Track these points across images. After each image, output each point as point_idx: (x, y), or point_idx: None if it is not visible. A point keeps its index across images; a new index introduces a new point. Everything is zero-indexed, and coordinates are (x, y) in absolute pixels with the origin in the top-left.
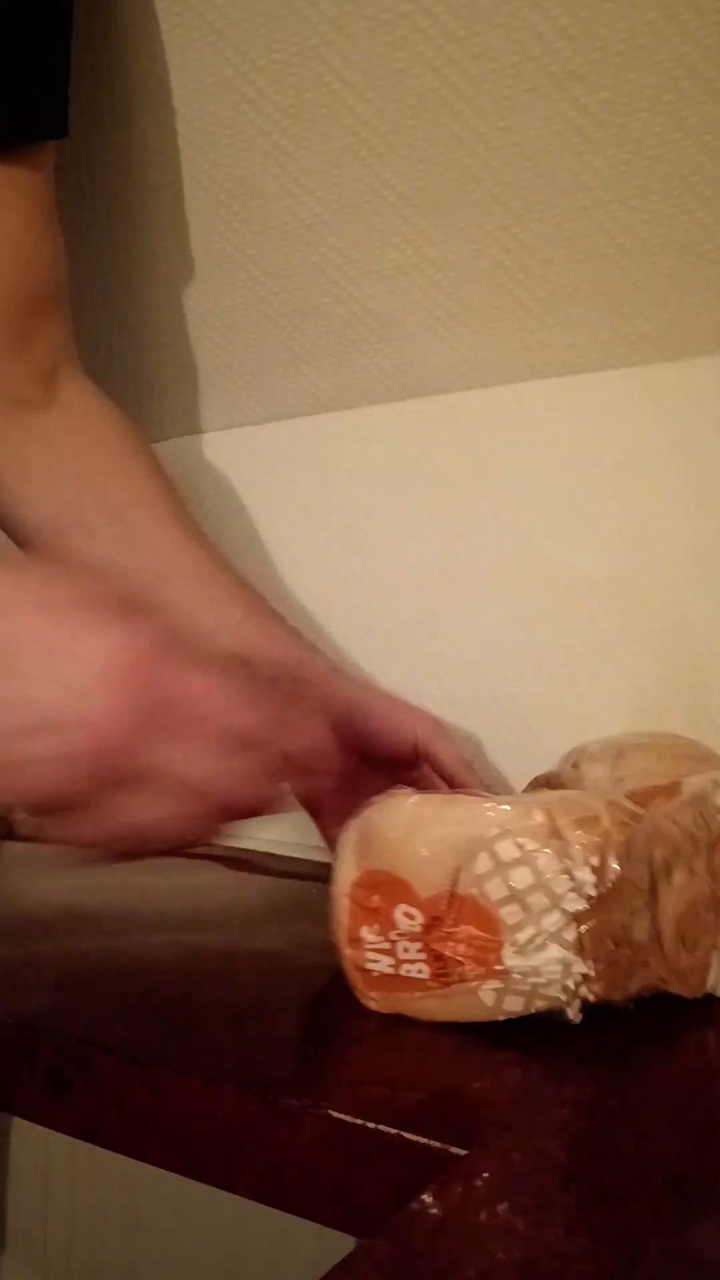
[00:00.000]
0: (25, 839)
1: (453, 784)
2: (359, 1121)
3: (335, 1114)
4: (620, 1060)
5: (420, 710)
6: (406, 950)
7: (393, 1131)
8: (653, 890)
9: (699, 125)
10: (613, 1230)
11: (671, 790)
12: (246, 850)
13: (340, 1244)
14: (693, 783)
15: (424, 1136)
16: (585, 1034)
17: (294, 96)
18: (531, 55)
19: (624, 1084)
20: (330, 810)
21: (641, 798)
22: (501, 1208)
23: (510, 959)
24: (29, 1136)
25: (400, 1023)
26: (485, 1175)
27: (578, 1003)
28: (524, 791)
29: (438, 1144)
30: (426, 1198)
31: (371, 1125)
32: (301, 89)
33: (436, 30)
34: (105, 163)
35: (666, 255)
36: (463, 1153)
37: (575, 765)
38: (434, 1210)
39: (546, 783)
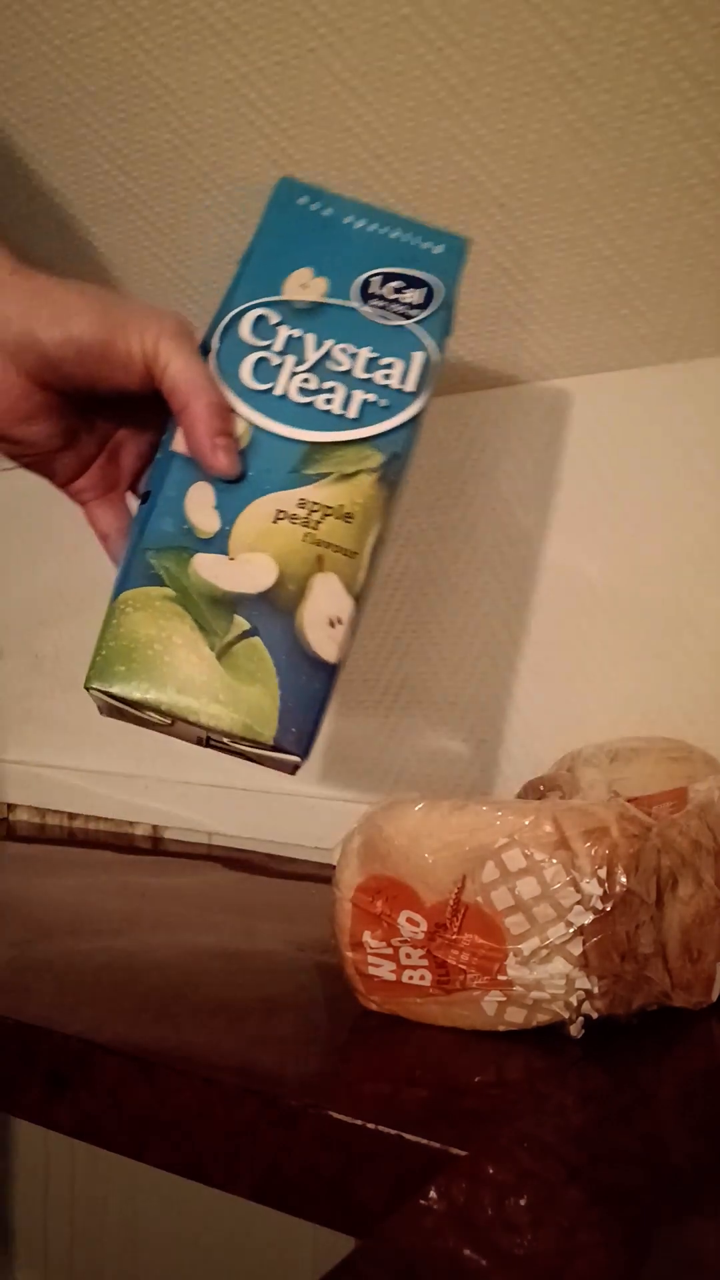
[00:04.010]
0: (25, 839)
1: (181, 408)
2: (358, 1122)
3: (335, 1114)
4: (625, 1057)
5: (152, 311)
6: (409, 956)
7: (392, 1132)
8: (659, 902)
9: (697, 128)
10: (616, 1228)
11: (676, 796)
12: (246, 850)
13: (340, 1244)
14: (700, 791)
15: (424, 1137)
16: (590, 1030)
17: (293, 99)
18: (530, 58)
19: (629, 1081)
20: (72, 478)
21: (645, 804)
22: (503, 1206)
23: (514, 969)
24: (29, 1137)
25: (401, 1022)
26: (487, 1173)
27: (580, 1019)
28: (518, 796)
29: (438, 1144)
30: (428, 1196)
31: (371, 1126)
32: (301, 91)
33: (435, 33)
34: (105, 165)
35: (665, 258)
36: (462, 1153)
37: (570, 769)
38: (435, 1209)
39: (540, 786)
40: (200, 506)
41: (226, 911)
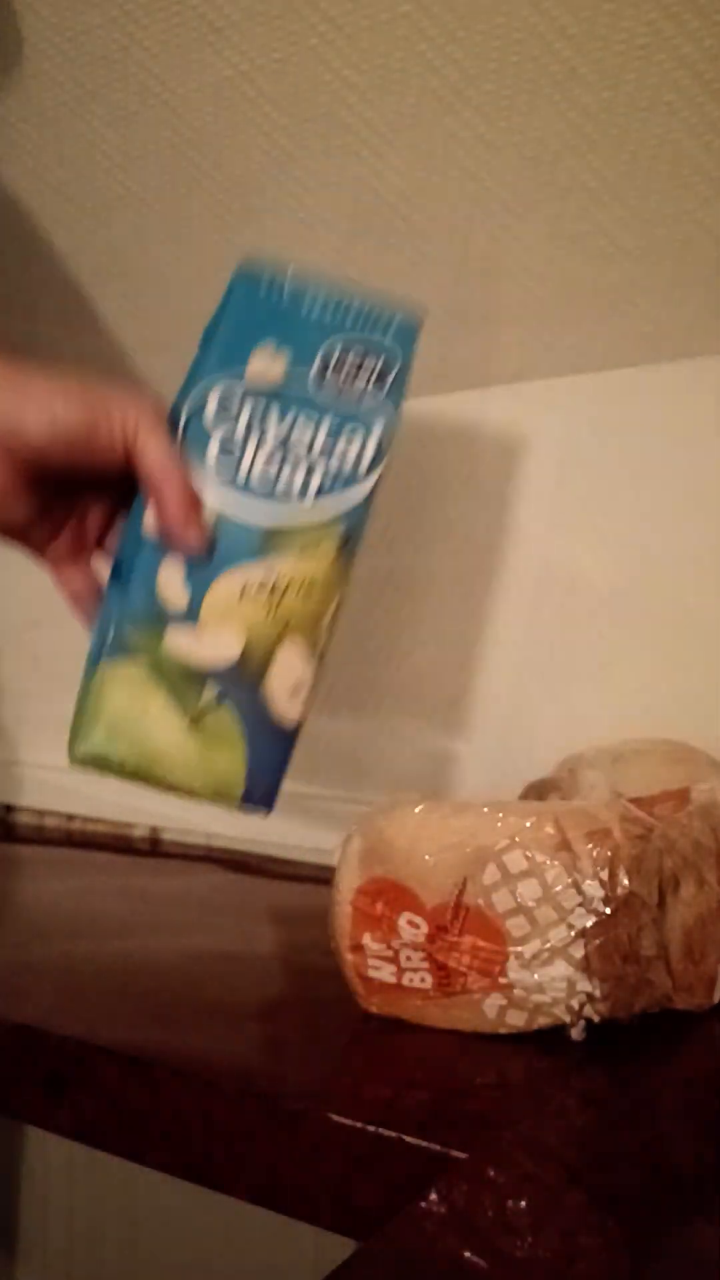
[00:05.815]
0: (24, 840)
1: (155, 493)
2: (359, 1124)
3: (335, 1117)
4: (627, 1059)
5: (131, 396)
6: (410, 959)
7: (393, 1135)
8: (661, 904)
9: (699, 125)
10: (617, 1231)
11: (678, 797)
12: (245, 852)
13: (340, 1246)
14: (702, 791)
15: (424, 1139)
16: (591, 1033)
17: (294, 96)
18: (531, 55)
19: (630, 1083)
20: (45, 544)
21: (647, 804)
22: (504, 1209)
23: (515, 972)
24: (29, 1138)
25: (401, 1024)
26: (488, 1176)
27: (582, 1023)
28: (519, 797)
29: (439, 1147)
30: (429, 1199)
31: (371, 1128)
32: (301, 88)
33: (436, 30)
34: (105, 163)
35: (667, 255)
36: (463, 1156)
37: (571, 771)
38: (436, 1211)
39: (542, 788)
40: (171, 582)
41: (225, 914)
